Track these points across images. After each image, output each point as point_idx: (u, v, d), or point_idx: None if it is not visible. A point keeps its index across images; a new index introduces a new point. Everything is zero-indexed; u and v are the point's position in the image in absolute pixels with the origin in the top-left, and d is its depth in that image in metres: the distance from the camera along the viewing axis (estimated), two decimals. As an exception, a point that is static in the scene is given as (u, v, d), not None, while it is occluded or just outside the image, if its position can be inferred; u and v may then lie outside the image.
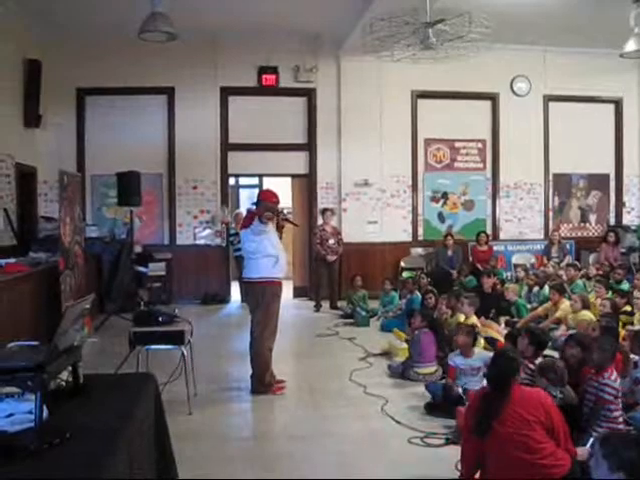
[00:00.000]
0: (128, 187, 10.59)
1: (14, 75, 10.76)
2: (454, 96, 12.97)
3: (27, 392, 2.72)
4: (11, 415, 2.66)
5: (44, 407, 2.68)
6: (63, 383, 3.23)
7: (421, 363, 6.96)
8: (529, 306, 9.63)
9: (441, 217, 13.30)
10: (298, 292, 12.93)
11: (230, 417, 5.98)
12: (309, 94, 12.70)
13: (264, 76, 12.46)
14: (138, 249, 11.22)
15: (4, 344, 3.34)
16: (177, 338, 5.66)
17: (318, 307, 11.58)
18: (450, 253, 12.18)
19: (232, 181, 13.21)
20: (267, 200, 6.60)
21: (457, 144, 13.32)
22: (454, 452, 4.53)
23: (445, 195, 13.32)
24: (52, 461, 2.44)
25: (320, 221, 12.09)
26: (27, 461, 2.43)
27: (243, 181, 15.75)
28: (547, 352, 6.00)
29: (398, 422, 5.61)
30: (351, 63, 12.38)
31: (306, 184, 12.89)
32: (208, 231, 12.42)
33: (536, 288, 10.22)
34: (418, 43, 8.79)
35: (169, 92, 12.38)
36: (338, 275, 11.96)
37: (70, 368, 3.15)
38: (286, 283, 13.22)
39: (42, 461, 2.44)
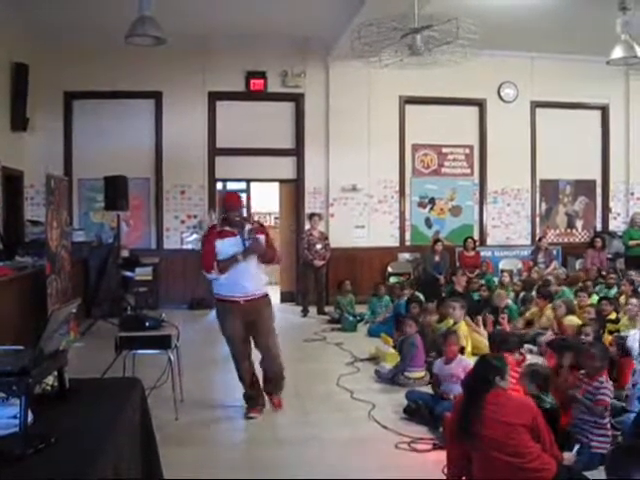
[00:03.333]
0: (115, 191, 10.55)
1: (1, 78, 10.70)
2: (442, 102, 13.01)
3: (12, 396, 2.69)
4: (-5, 420, 2.64)
5: (29, 412, 2.66)
6: (49, 388, 3.21)
7: (412, 367, 6.97)
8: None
9: (428, 222, 13.33)
10: (285, 297, 12.92)
11: (217, 422, 5.95)
12: (297, 99, 12.71)
13: (252, 81, 12.45)
14: (125, 253, 11.18)
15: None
16: (164, 342, 5.65)
17: (305, 312, 11.57)
18: (437, 259, 12.18)
19: (219, 186, 13.17)
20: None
21: (445, 149, 13.36)
22: (441, 457, 4.53)
23: (432, 200, 13.35)
24: (37, 466, 2.43)
25: (307, 226, 12.08)
26: (12, 466, 2.41)
27: (230, 186, 15.70)
28: (532, 357, 6.04)
29: (385, 427, 5.61)
30: (339, 68, 12.38)
31: (294, 189, 12.89)
32: (195, 236, 12.37)
33: (522, 293, 10.26)
34: (406, 49, 8.82)
35: (157, 96, 12.35)
36: (325, 280, 11.96)
37: (56, 373, 3.13)
38: (273, 288, 13.34)
39: (27, 466, 2.42)
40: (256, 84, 12.47)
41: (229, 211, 5.84)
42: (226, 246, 5.72)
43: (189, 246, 12.42)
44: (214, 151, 12.47)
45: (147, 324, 5.76)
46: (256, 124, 12.48)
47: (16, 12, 10.52)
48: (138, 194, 11.92)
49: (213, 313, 11.77)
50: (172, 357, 5.79)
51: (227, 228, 5.81)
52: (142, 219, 12.34)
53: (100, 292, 10.78)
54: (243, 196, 16.03)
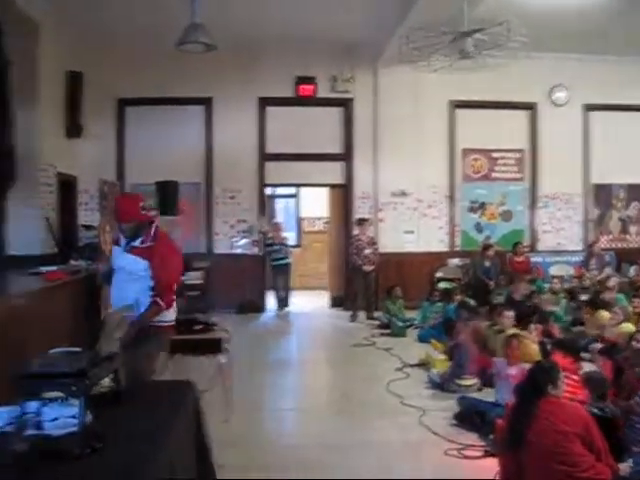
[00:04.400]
0: (167, 196, 10.72)
1: (57, 87, 10.98)
2: (492, 106, 12.88)
3: (71, 397, 2.75)
4: (55, 419, 2.70)
5: (87, 412, 2.72)
6: (104, 389, 3.27)
7: (463, 374, 6.91)
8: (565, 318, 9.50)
9: (478, 227, 13.20)
10: (334, 302, 12.95)
11: (267, 425, 6.00)
12: (346, 104, 12.72)
13: (301, 86, 12.52)
14: (176, 258, 11.30)
15: (45, 350, 3.39)
16: (215, 346, 5.71)
17: (354, 317, 11.56)
18: (487, 264, 12.06)
19: (269, 191, 13.28)
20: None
21: (495, 154, 13.22)
22: (492, 464, 4.49)
23: (483, 205, 13.23)
24: (95, 465, 2.49)
25: (356, 231, 12.08)
26: (71, 464, 2.47)
27: (280, 191, 15.84)
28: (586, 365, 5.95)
29: (435, 433, 5.58)
30: (388, 73, 12.35)
31: (343, 194, 12.90)
32: (245, 240, 12.49)
33: (572, 300, 10.08)
34: (455, 53, 8.77)
35: (207, 102, 12.50)
36: (375, 285, 11.93)
37: (111, 375, 3.20)
38: (322, 293, 13.39)
39: (85, 465, 2.49)
40: (305, 89, 12.53)
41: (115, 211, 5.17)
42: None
43: (238, 250, 12.53)
44: (264, 156, 12.57)
45: (198, 328, 5.82)
46: (305, 129, 12.54)
47: (70, 22, 10.76)
48: (189, 199, 12.05)
49: (262, 317, 12.04)
50: (222, 361, 5.85)
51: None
52: (192, 224, 12.49)
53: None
54: (290, 202, 16.21)
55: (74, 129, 11.47)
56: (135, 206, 4.87)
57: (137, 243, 4.88)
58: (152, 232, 4.94)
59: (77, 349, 3.34)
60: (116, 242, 5.09)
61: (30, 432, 2.54)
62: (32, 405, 2.68)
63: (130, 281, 4.85)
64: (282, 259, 12.62)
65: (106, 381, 3.20)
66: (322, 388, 7.55)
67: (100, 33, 11.28)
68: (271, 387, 7.33)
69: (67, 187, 11.46)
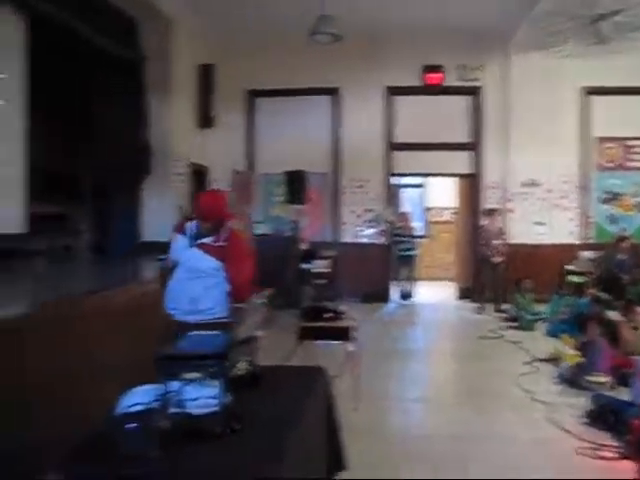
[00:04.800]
0: (295, 186, 10.95)
1: (190, 79, 11.42)
2: (628, 92, 12.27)
3: (210, 378, 2.87)
4: (196, 399, 2.83)
5: (227, 393, 2.84)
6: (239, 372, 3.39)
7: (596, 371, 6.68)
8: None
9: (612, 219, 12.66)
10: (461, 293, 12.80)
11: (394, 415, 6.01)
12: (475, 92, 12.51)
13: (429, 75, 12.41)
14: (303, 246, 11.52)
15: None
16: (343, 334, 5.79)
17: (481, 309, 11.39)
18: (622, 257, 11.53)
19: (395, 181, 13.28)
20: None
21: (631, 142, 12.62)
22: (628, 468, 4.33)
23: (617, 196, 12.67)
24: (234, 444, 2.60)
25: (485, 221, 11.87)
26: (212, 443, 2.59)
27: (406, 180, 15.77)
28: None
29: (566, 431, 5.42)
30: (518, 60, 12.04)
31: (471, 184, 12.70)
32: (372, 230, 12.55)
33: None
34: (591, 37, 8.45)
35: (334, 92, 12.62)
36: (503, 277, 11.69)
37: (248, 358, 3.32)
38: (449, 284, 13.25)
39: (225, 444, 2.61)
40: (433, 78, 12.42)
41: (198, 209, 4.66)
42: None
43: (364, 240, 12.60)
44: (391, 146, 12.57)
45: (327, 315, 5.92)
46: (433, 118, 12.44)
47: (202, 16, 11.14)
48: (316, 188, 12.22)
49: (387, 307, 12.06)
50: (351, 348, 5.92)
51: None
52: (319, 213, 12.66)
53: (279, 284, 11.18)
54: (417, 192, 16.12)
55: (206, 120, 11.89)
56: (221, 203, 4.65)
57: (208, 240, 4.55)
58: (227, 231, 4.62)
59: (216, 332, 3.49)
60: (180, 230, 4.67)
61: (173, 410, 2.68)
62: (174, 384, 2.82)
63: (191, 279, 4.52)
64: (409, 250, 12.60)
65: (242, 364, 3.33)
66: (449, 379, 7.48)
67: (231, 26, 11.63)
68: (398, 377, 7.34)
69: (199, 177, 11.89)
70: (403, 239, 12.53)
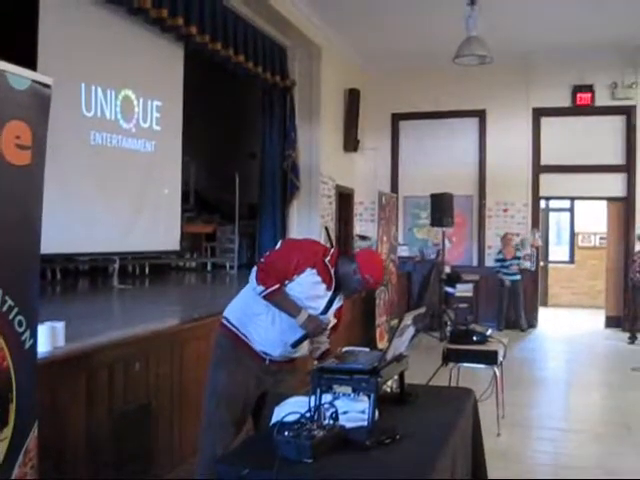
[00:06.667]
0: (441, 208, 10.95)
1: (337, 103, 11.70)
2: None
3: (360, 393, 2.95)
4: (346, 412, 2.91)
5: (375, 409, 2.89)
6: (388, 389, 3.44)
7: None
8: None
9: None
10: (610, 322, 12.24)
11: (538, 443, 5.85)
12: (628, 112, 12.00)
13: (578, 95, 12.05)
14: (447, 269, 11.46)
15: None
16: (490, 357, 5.71)
17: (633, 339, 10.85)
18: None
19: (542, 204, 12.95)
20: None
21: None
22: None
23: None
24: (382, 458, 2.64)
25: (638, 247, 11.33)
26: (361, 455, 2.65)
27: (553, 204, 15.34)
28: None
29: None
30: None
31: (623, 207, 12.17)
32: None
33: None
34: None
35: (481, 115, 12.51)
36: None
37: (396, 376, 3.36)
38: (597, 312, 12.70)
39: (374, 456, 2.65)
40: (583, 98, 12.04)
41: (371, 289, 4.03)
42: (309, 290, 3.45)
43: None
44: (538, 168, 12.27)
45: (475, 338, 5.86)
46: (582, 139, 12.02)
47: (349, 43, 11.40)
48: (461, 211, 12.10)
49: (532, 334, 11.70)
50: (497, 373, 5.83)
51: (330, 275, 3.49)
52: (464, 236, 12.53)
53: (422, 306, 11.16)
54: (566, 216, 15.62)
55: (351, 144, 12.14)
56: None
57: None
58: None
59: (365, 349, 3.57)
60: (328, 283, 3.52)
61: (326, 421, 2.76)
62: (327, 397, 2.92)
63: None
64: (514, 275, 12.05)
65: (392, 381, 3.38)
66: (598, 411, 7.18)
67: (376, 52, 11.81)
68: (543, 405, 7.14)
69: (344, 199, 12.13)
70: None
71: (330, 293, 3.49)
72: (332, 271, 3.47)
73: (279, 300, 3.39)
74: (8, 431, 2.60)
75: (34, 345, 2.78)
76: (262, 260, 3.50)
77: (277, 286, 3.35)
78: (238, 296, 3.65)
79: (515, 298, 11.86)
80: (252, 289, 3.45)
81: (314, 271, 3.40)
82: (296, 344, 3.49)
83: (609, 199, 12.41)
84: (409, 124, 12.97)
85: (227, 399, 3.46)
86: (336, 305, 3.56)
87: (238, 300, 3.64)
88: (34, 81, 2.68)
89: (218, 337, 3.63)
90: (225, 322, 3.59)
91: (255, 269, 3.42)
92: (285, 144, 10.63)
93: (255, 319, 3.49)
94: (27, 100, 2.64)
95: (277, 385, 3.57)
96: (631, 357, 9.67)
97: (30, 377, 2.73)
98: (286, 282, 3.38)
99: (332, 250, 3.58)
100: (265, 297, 3.37)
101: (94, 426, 3.66)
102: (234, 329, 3.53)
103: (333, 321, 3.58)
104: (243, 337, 3.51)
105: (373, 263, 3.55)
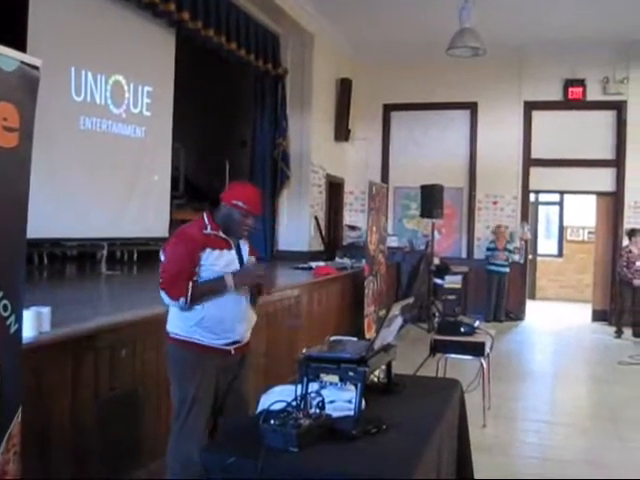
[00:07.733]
0: (431, 200, 10.94)
1: (328, 92, 11.68)
2: None
3: (348, 382, 2.94)
4: (332, 402, 2.90)
5: (362, 398, 2.89)
6: (375, 379, 3.44)
7: None
8: None
9: None
10: (597, 316, 12.29)
11: (523, 435, 5.86)
12: (619, 107, 12.02)
13: (570, 89, 12.05)
14: (436, 261, 11.47)
15: (319, 338, 3.64)
16: (478, 349, 5.72)
17: (619, 333, 10.90)
18: None
19: (532, 198, 12.97)
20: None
21: None
22: None
23: None
24: (368, 447, 2.64)
25: (626, 242, 11.37)
26: (347, 445, 2.64)
27: (542, 198, 15.36)
28: None
29: None
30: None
31: (612, 202, 12.20)
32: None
33: None
34: None
35: (472, 107, 12.50)
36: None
37: (383, 366, 3.36)
38: (584, 306, 12.76)
39: (359, 446, 2.64)
40: (574, 92, 12.04)
41: (251, 213, 3.55)
42: (217, 261, 3.48)
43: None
44: (528, 162, 12.29)
45: (462, 330, 5.87)
46: (573, 134, 12.03)
47: (343, 33, 11.37)
48: (451, 203, 12.11)
49: (519, 326, 11.75)
50: (484, 364, 5.84)
51: (221, 235, 3.52)
52: (453, 228, 12.56)
53: (410, 296, 11.19)
54: (555, 209, 15.63)
55: (342, 133, 12.13)
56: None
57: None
58: None
59: (353, 338, 3.56)
60: (226, 244, 3.58)
61: (312, 410, 2.75)
62: (314, 386, 2.91)
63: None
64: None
65: (380, 371, 3.37)
66: (585, 404, 7.21)
67: (369, 42, 11.79)
68: (528, 397, 7.17)
69: (335, 188, 12.12)
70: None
71: (233, 248, 3.56)
72: (219, 232, 3.50)
73: (201, 293, 3.39)
74: (-9, 416, 2.58)
75: (19, 330, 2.74)
76: (160, 280, 3.43)
77: (190, 285, 3.35)
78: (171, 312, 3.57)
79: (499, 290, 11.88)
80: (177, 308, 3.44)
81: (207, 249, 3.44)
82: (251, 300, 3.60)
83: (598, 193, 12.44)
84: (401, 115, 12.94)
85: (198, 405, 3.45)
86: (245, 249, 3.66)
87: (174, 315, 3.55)
88: (22, 62, 2.64)
89: (173, 352, 3.54)
90: (174, 336, 3.52)
91: (162, 293, 3.40)
92: (276, 132, 10.61)
93: (202, 322, 3.43)
94: (15, 82, 2.60)
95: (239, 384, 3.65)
96: (617, 351, 9.71)
97: (14, 362, 2.70)
98: (194, 277, 3.40)
99: (204, 215, 3.57)
100: (191, 303, 3.37)
101: (79, 412, 3.63)
102: (187, 338, 3.47)
103: (252, 258, 3.69)
104: (199, 342, 3.45)
105: (235, 190, 3.65)
